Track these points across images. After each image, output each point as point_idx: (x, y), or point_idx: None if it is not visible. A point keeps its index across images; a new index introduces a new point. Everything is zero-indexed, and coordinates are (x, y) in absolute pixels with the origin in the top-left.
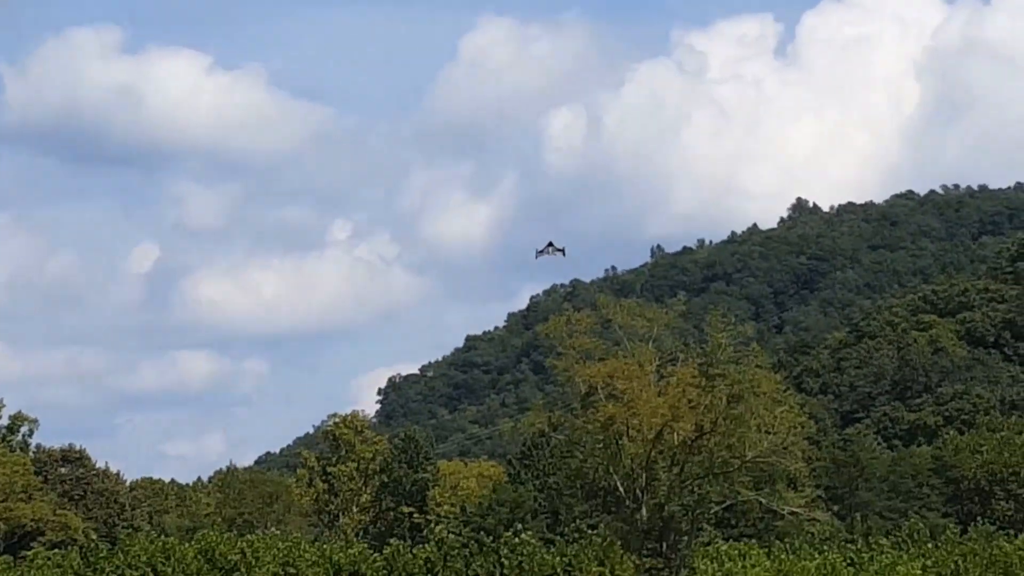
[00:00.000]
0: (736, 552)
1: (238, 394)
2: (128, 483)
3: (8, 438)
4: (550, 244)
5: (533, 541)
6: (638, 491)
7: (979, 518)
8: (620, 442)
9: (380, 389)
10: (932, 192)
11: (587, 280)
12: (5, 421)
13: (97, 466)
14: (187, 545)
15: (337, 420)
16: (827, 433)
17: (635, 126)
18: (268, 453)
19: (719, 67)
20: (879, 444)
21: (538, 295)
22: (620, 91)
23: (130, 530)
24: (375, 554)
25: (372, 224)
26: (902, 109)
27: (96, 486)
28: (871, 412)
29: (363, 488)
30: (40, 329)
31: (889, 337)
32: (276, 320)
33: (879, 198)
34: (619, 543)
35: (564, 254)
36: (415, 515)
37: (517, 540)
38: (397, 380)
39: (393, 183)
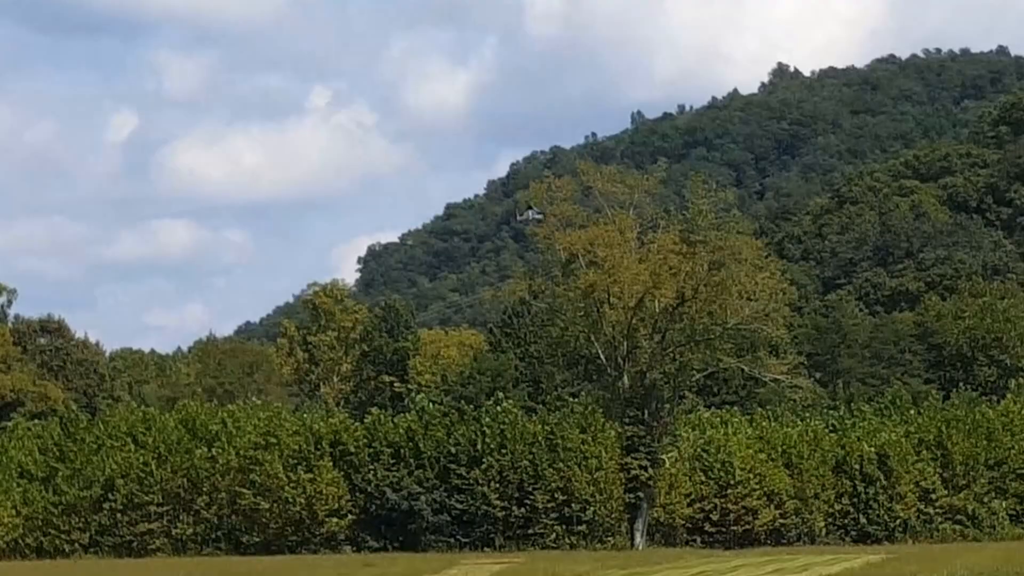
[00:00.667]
0: (718, 419)
1: (218, 264)
2: (108, 353)
3: None
4: (529, 208)
5: (514, 409)
6: (619, 359)
7: (961, 384)
8: (601, 310)
9: (360, 258)
10: (914, 56)
11: (567, 147)
12: None
13: (76, 337)
14: (167, 415)
15: (317, 289)
16: (809, 299)
17: None
18: (248, 323)
19: None
20: (861, 310)
21: (518, 162)
22: None
23: (110, 400)
24: (356, 423)
25: (351, 92)
26: None
27: (76, 356)
28: (853, 278)
29: (344, 357)
30: (18, 200)
31: (871, 202)
32: (256, 189)
33: (860, 62)
34: (601, 411)
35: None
36: (396, 384)
37: (499, 408)
38: (377, 249)
39: (372, 51)
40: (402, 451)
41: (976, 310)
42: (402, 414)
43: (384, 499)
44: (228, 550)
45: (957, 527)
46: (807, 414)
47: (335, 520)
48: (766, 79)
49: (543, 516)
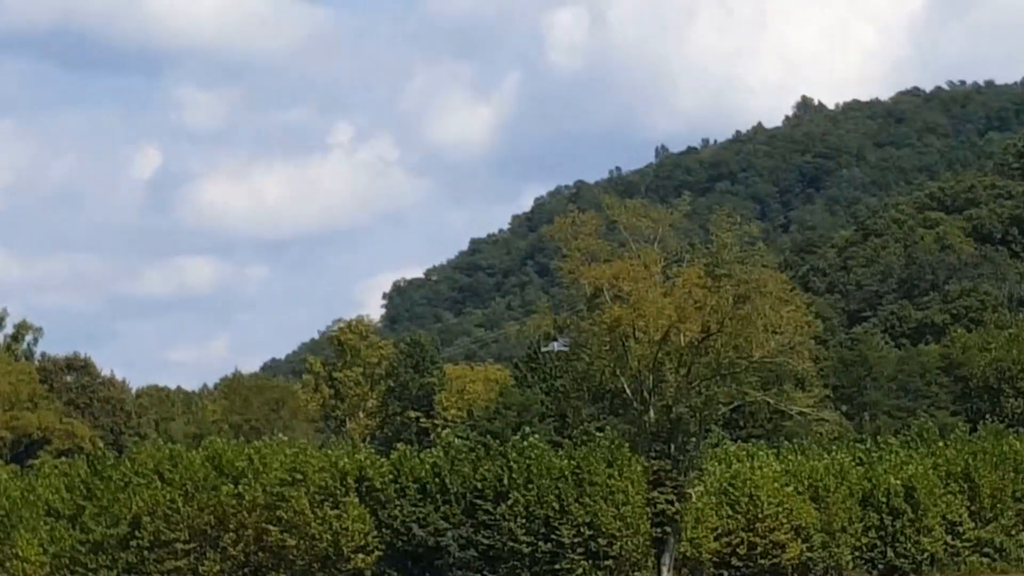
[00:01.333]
0: (744, 453)
1: (242, 299)
2: (134, 391)
3: (12, 347)
4: (554, 340)
5: (541, 444)
6: (645, 393)
7: (988, 416)
8: (626, 344)
9: (385, 293)
10: (938, 88)
11: (591, 181)
12: (9, 330)
13: (103, 374)
14: (194, 452)
15: (342, 325)
16: (834, 332)
17: (638, 23)
18: (273, 359)
19: None
20: (887, 343)
21: (542, 197)
22: None
23: (137, 438)
24: (382, 459)
25: (373, 126)
26: (907, 3)
27: (102, 394)
28: (878, 311)
29: (369, 393)
30: (42, 235)
31: (896, 235)
32: (279, 224)
33: (884, 95)
34: (627, 445)
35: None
36: (422, 420)
37: (525, 443)
38: (402, 284)
39: (394, 85)
40: (428, 487)
41: (1002, 342)
42: (428, 449)
43: (410, 535)
44: None
45: (985, 560)
46: (834, 447)
47: (361, 556)
48: (790, 112)
49: (569, 551)
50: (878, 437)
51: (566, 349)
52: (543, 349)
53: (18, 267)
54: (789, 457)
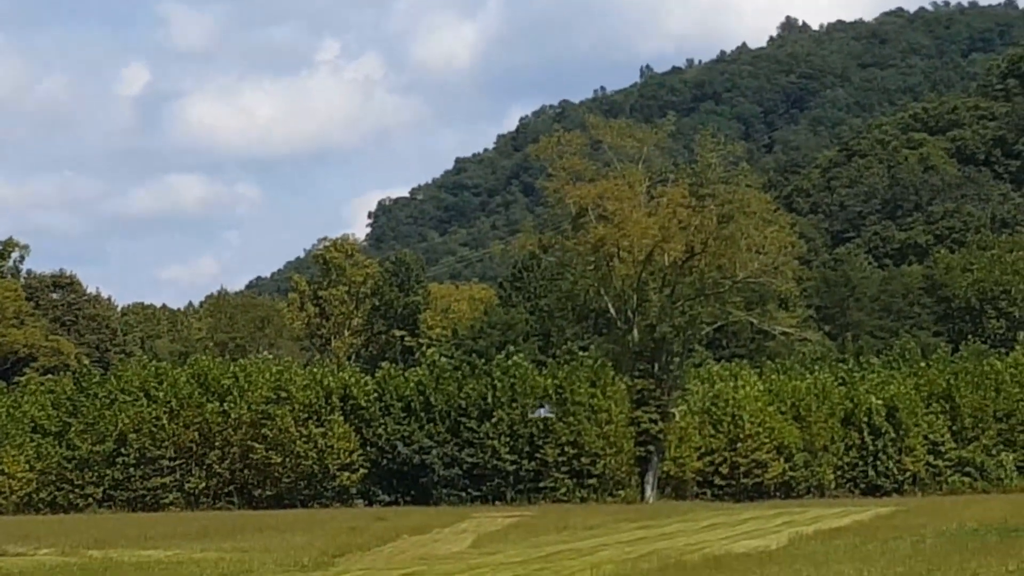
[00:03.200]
0: (727, 372)
1: (230, 218)
2: (120, 308)
3: None
4: (542, 406)
5: (525, 363)
6: (629, 312)
7: (970, 336)
8: (611, 263)
9: (370, 212)
10: (922, 9)
11: (576, 101)
12: None
13: (89, 291)
14: (180, 369)
15: (328, 244)
16: (818, 253)
17: None
18: (259, 277)
19: None
20: (870, 263)
21: (527, 116)
22: None
23: (122, 355)
24: (367, 377)
25: (361, 45)
26: None
27: (88, 311)
28: (862, 231)
29: (354, 312)
30: (29, 154)
31: (879, 156)
32: (267, 143)
33: (869, 15)
34: (610, 364)
35: (554, 415)
36: (407, 338)
37: (509, 362)
38: (387, 203)
39: (381, 3)
40: (413, 405)
41: (985, 263)
42: (413, 368)
43: (395, 453)
44: (240, 504)
45: (966, 479)
46: (816, 367)
47: (347, 474)
48: (774, 32)
49: (554, 470)
50: (860, 357)
51: (552, 416)
52: (529, 416)
53: (6, 187)
54: (772, 377)
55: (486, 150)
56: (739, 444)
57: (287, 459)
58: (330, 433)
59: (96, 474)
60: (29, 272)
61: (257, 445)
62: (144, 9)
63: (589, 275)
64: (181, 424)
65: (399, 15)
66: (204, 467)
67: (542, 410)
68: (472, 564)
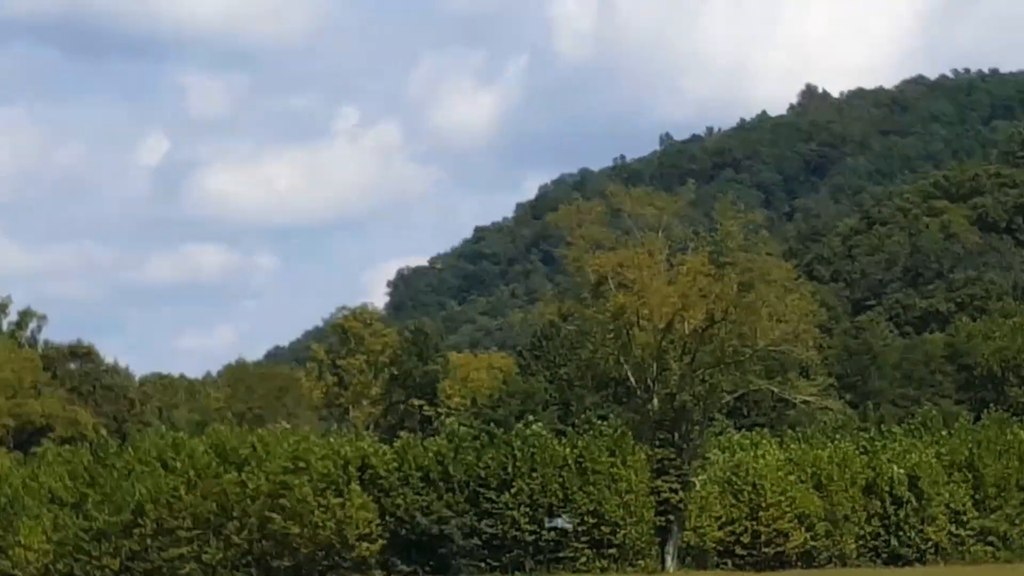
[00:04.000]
0: (748, 441)
1: (248, 287)
2: (137, 378)
3: (16, 334)
4: (559, 516)
5: (544, 432)
6: (649, 381)
7: (992, 405)
8: (631, 332)
9: (389, 281)
10: (943, 76)
11: (596, 169)
12: (13, 317)
13: (106, 361)
14: (197, 440)
15: (346, 313)
16: (839, 321)
17: (645, 11)
18: (278, 347)
19: None
20: (891, 331)
21: (547, 185)
22: None
23: (140, 425)
24: (385, 447)
25: (379, 114)
26: None
27: (105, 381)
28: (883, 299)
29: (373, 381)
30: (48, 223)
31: (900, 223)
32: (285, 212)
33: (889, 83)
34: (630, 433)
35: (572, 527)
36: (425, 407)
37: (528, 431)
38: (406, 272)
39: (400, 71)
40: (432, 475)
41: (1007, 331)
42: (432, 438)
43: (414, 523)
44: (261, 574)
45: (989, 549)
46: (837, 436)
47: (365, 544)
48: (794, 100)
49: (573, 539)
50: (882, 426)
51: (568, 527)
52: (547, 526)
53: (25, 256)
54: (793, 446)
55: (505, 219)
56: (760, 513)
57: (305, 529)
58: (348, 503)
59: (113, 545)
60: (46, 342)
61: (275, 516)
62: (163, 79)
63: (609, 344)
64: (199, 495)
65: (417, 83)
66: (222, 538)
67: (559, 520)
68: None
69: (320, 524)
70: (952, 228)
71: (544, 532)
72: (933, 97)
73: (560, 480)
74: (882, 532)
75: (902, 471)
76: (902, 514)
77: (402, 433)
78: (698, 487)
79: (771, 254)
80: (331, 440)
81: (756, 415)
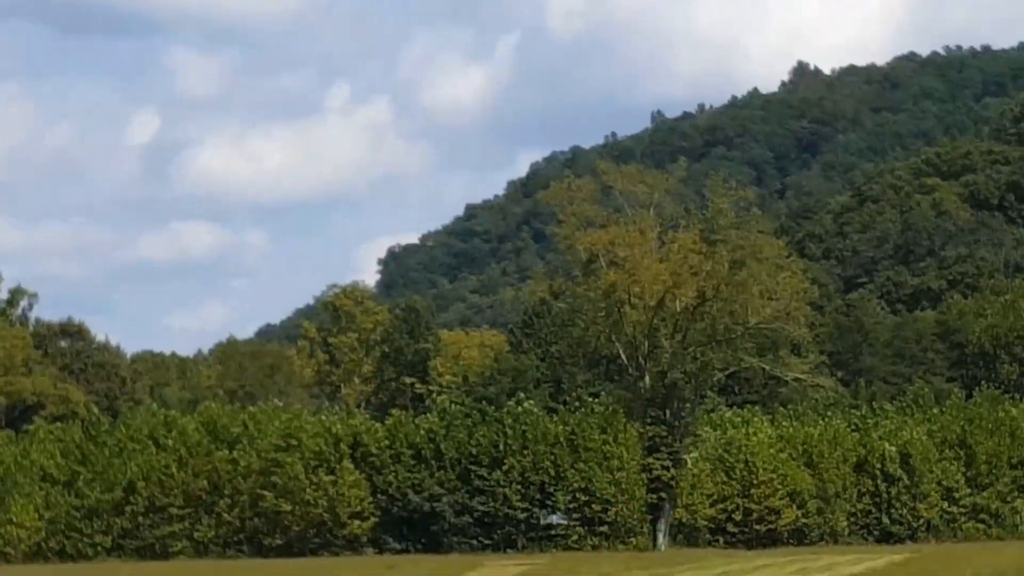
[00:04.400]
0: (739, 418)
1: (239, 266)
2: (129, 356)
3: (7, 312)
4: (555, 512)
5: (536, 410)
6: (640, 359)
7: (984, 382)
8: (622, 310)
9: (380, 259)
10: (935, 53)
11: (587, 146)
12: (4, 295)
13: (97, 339)
14: (189, 418)
15: (337, 291)
16: (830, 298)
17: None
18: (269, 325)
19: None
20: (883, 309)
21: (538, 162)
22: None
23: (131, 403)
24: (377, 424)
25: (370, 91)
26: None
27: (96, 359)
28: (874, 277)
29: (364, 359)
30: (39, 203)
31: (892, 201)
32: (276, 190)
33: (881, 60)
34: (622, 411)
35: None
36: (417, 385)
37: (520, 409)
38: (397, 250)
39: (391, 49)
40: (423, 452)
41: (998, 308)
42: (423, 415)
43: (406, 501)
44: (250, 553)
45: (980, 526)
46: (829, 413)
47: (357, 522)
48: (786, 77)
49: (566, 515)
50: (873, 403)
51: (564, 522)
52: (543, 521)
53: (16, 234)
54: (784, 423)
55: (496, 196)
56: (752, 491)
57: (297, 507)
58: (340, 481)
59: (105, 523)
60: (37, 320)
61: (267, 493)
62: (153, 58)
63: (600, 321)
64: (190, 472)
65: (408, 61)
66: (213, 515)
67: (555, 516)
68: None
69: (312, 502)
70: (944, 206)
71: (536, 510)
72: (924, 74)
73: (551, 458)
74: (873, 509)
75: (893, 448)
76: (893, 491)
77: (393, 411)
78: (689, 464)
79: (762, 231)
80: (322, 418)
81: (747, 392)
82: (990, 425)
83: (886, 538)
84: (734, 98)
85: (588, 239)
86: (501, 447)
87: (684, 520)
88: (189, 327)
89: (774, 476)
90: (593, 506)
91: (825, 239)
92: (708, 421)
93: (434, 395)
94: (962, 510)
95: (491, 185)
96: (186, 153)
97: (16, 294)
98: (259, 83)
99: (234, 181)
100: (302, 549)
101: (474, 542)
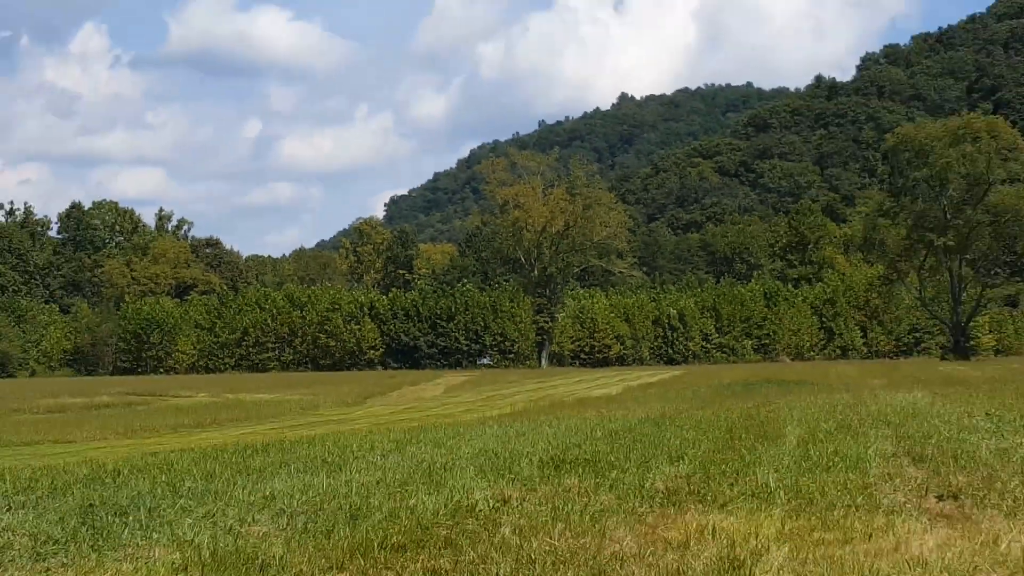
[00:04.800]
0: (587, 295)
1: (306, 207)
2: (244, 258)
3: (176, 232)
4: (486, 358)
5: (474, 289)
6: (532, 260)
7: (726, 274)
8: (521, 233)
9: (385, 204)
10: (699, 87)
11: (503, 139)
12: (174, 223)
13: (227, 248)
14: (277, 293)
15: (361, 221)
16: (639, 227)
17: (533, 51)
18: (322, 240)
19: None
20: (669, 232)
21: (475, 148)
22: (528, 31)
23: (245, 285)
24: (384, 297)
25: (380, 109)
26: (683, 36)
27: (226, 260)
28: (664, 214)
29: (377, 260)
30: (193, 171)
31: (675, 171)
32: (327, 166)
33: (669, 91)
34: (522, 290)
35: (491, 362)
36: (406, 275)
37: (465, 289)
38: (396, 198)
39: (392, 84)
40: (410, 313)
41: (735, 232)
42: (410, 291)
43: (400, 340)
44: (312, 368)
45: (723, 355)
46: (639, 291)
47: (372, 352)
48: (615, 100)
49: (490, 350)
50: (664, 285)
51: (491, 363)
52: (478, 364)
53: (181, 188)
54: (613, 297)
55: (451, 168)
56: (595, 334)
57: (338, 343)
58: (363, 328)
59: (231, 351)
60: (193, 237)
61: (321, 335)
62: (257, 88)
63: (509, 239)
64: (279, 323)
65: (402, 91)
66: (291, 347)
67: (486, 359)
68: (444, 402)
69: (347, 340)
70: (704, 174)
71: (473, 344)
72: (693, 98)
73: (482, 316)
74: (663, 345)
75: (675, 311)
76: (675, 335)
77: (393, 289)
78: (560, 320)
79: (601, 188)
80: (353, 293)
81: (592, 280)
82: (729, 298)
83: (671, 361)
84: (585, 113)
85: (503, 192)
86: (453, 309)
87: (557, 351)
88: (278, 242)
89: (607, 326)
90: (505, 344)
91: (636, 192)
92: (570, 296)
93: (416, 281)
94: (713, 346)
95: (449, 162)
96: (276, 143)
97: (181, 222)
98: (317, 104)
99: (304, 160)
100: (341, 367)
101: (438, 363)
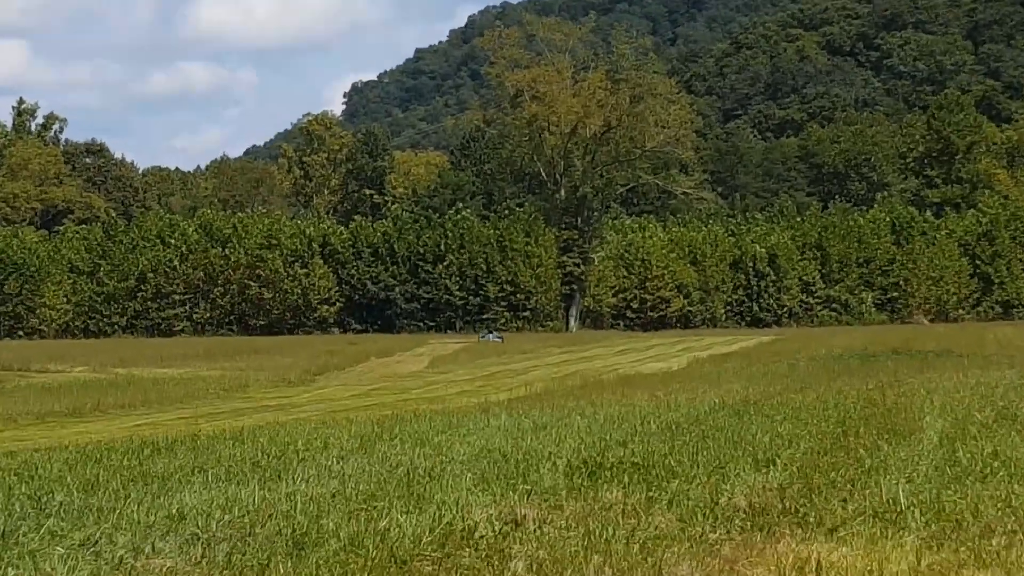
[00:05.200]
0: (637, 225)
1: (231, 98)
2: (141, 171)
3: (42, 134)
4: (491, 332)
5: (471, 217)
6: (557, 176)
7: (836, 197)
8: (542, 135)
9: (345, 93)
10: None
11: (515, 1)
12: (40, 120)
13: (116, 157)
14: (189, 221)
15: (311, 118)
16: (712, 128)
17: None
18: (255, 146)
19: None
20: (755, 136)
21: (475, 15)
22: None
23: (143, 209)
24: (342, 228)
25: None
26: None
27: (115, 173)
28: (748, 110)
29: (332, 174)
30: (68, 45)
31: (763, 48)
32: (263, 36)
33: None
34: (541, 218)
35: (502, 340)
36: (375, 196)
37: (458, 216)
38: (359, 85)
39: None
40: (380, 251)
41: (849, 135)
42: (380, 221)
43: (365, 290)
44: (238, 331)
45: (833, 314)
46: (710, 221)
47: (325, 307)
48: None
49: (495, 304)
50: (746, 213)
51: (500, 341)
52: (480, 340)
53: (49, 71)
54: (674, 229)
55: (440, 42)
56: (647, 283)
57: (276, 295)
58: (312, 274)
59: (121, 306)
60: (67, 141)
61: (252, 283)
62: None
63: (524, 145)
64: (190, 265)
65: None
66: (209, 301)
67: (492, 335)
68: (428, 381)
69: (289, 290)
70: (805, 51)
71: (471, 297)
72: None
73: (484, 256)
74: (746, 300)
75: (763, 250)
76: (762, 285)
77: (356, 217)
78: (596, 262)
79: (657, 72)
80: (298, 222)
81: (644, 204)
82: (841, 231)
83: (756, 323)
84: None
85: (515, 77)
86: (443, 247)
87: (591, 307)
88: (190, 148)
89: (665, 272)
90: (517, 295)
91: (708, 79)
92: (611, 227)
93: (389, 204)
94: (817, 300)
95: (436, 33)
96: (189, 5)
97: (49, 119)
98: None
99: (229, 28)
100: (280, 329)
101: (420, 324)
